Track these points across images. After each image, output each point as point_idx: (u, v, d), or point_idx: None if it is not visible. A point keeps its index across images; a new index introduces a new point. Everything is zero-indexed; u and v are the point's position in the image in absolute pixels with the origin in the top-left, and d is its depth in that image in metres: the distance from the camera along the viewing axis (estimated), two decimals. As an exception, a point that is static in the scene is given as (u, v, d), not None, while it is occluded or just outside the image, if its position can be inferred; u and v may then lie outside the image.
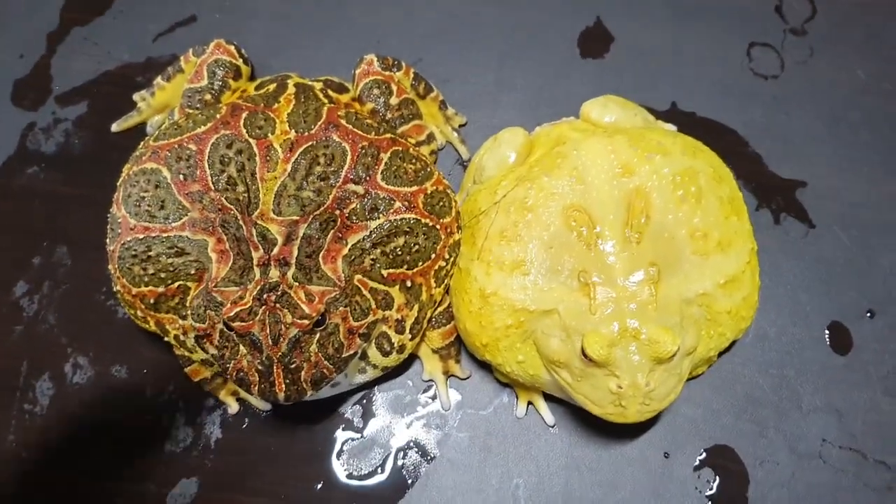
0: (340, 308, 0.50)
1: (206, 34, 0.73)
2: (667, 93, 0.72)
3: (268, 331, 0.48)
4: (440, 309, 0.59)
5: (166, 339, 0.56)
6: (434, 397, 0.61)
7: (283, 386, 0.48)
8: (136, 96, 0.70)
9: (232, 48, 0.65)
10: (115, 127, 0.69)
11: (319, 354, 0.49)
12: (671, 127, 0.67)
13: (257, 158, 0.55)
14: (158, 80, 0.68)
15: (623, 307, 0.51)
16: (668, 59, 0.74)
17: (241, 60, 0.65)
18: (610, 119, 0.63)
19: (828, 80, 0.73)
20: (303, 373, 0.48)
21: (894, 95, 0.72)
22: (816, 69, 0.73)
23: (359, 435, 0.60)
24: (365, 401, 0.61)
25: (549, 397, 0.60)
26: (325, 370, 0.49)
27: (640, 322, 0.50)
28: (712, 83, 0.73)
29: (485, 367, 0.61)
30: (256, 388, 0.48)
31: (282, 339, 0.48)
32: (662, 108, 0.71)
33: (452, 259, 0.57)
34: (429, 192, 0.56)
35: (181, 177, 0.54)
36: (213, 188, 0.53)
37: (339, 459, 0.59)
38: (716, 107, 0.71)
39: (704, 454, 0.59)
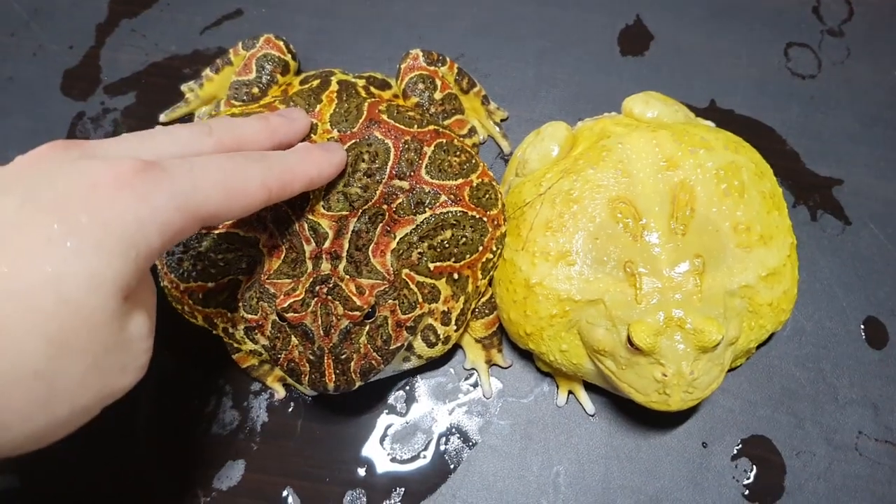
0: (389, 301, 0.51)
1: (251, 28, 0.74)
2: (705, 90, 0.73)
3: (319, 322, 0.48)
4: (483, 299, 0.60)
5: (215, 332, 0.57)
6: (476, 385, 0.62)
7: (333, 376, 0.49)
8: (184, 87, 0.71)
9: (281, 44, 0.66)
10: (163, 117, 0.70)
11: (368, 346, 0.50)
12: (710, 124, 0.68)
13: None
14: (207, 71, 0.69)
15: (668, 297, 0.52)
16: (707, 58, 0.75)
17: (289, 56, 0.66)
18: (652, 114, 0.64)
19: (864, 80, 0.74)
20: (352, 364, 0.49)
21: (930, 98, 0.73)
22: (853, 70, 0.74)
23: (402, 420, 0.61)
24: (408, 387, 0.62)
25: (588, 387, 0.61)
26: (373, 361, 0.50)
27: (685, 312, 0.51)
28: (750, 82, 0.73)
29: (525, 356, 0.62)
30: (307, 378, 0.49)
31: (333, 331, 0.48)
32: (701, 106, 0.72)
33: (499, 251, 0.58)
34: (475, 184, 0.57)
35: None
36: None
37: (382, 444, 0.60)
38: (754, 105, 0.72)
39: (742, 444, 0.60)
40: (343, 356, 0.49)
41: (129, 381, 0.37)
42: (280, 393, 0.61)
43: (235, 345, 0.58)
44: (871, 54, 0.75)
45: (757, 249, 0.55)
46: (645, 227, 0.54)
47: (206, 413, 0.61)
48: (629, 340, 0.50)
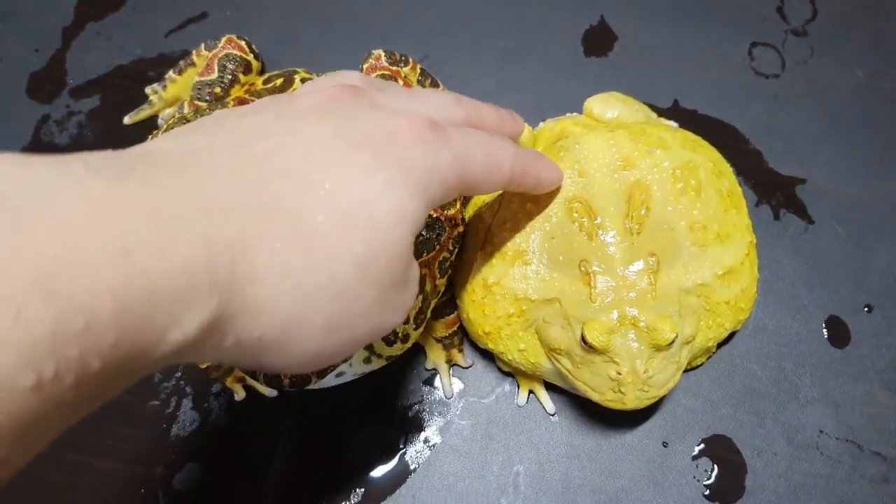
0: None
1: (216, 31, 0.74)
2: (669, 91, 0.73)
3: None
4: (443, 299, 0.60)
5: None
6: (437, 386, 0.62)
7: (288, 373, 0.49)
8: (148, 89, 0.71)
9: (243, 43, 0.66)
10: (127, 119, 0.71)
11: None
12: (673, 124, 0.68)
13: None
14: (170, 73, 0.70)
15: (622, 296, 0.52)
16: (671, 58, 0.75)
17: (251, 55, 0.67)
18: (612, 115, 0.64)
19: (828, 79, 0.74)
20: None
21: (892, 96, 0.73)
22: (817, 69, 0.74)
23: (363, 422, 0.61)
24: (369, 389, 0.61)
25: (550, 386, 0.61)
26: None
27: (639, 310, 0.51)
28: (714, 81, 0.74)
29: (487, 356, 0.62)
30: (262, 375, 0.49)
31: None
32: (665, 106, 0.72)
33: (456, 250, 0.58)
34: None
35: None
36: None
37: (343, 446, 0.60)
38: (717, 105, 0.72)
39: (703, 444, 0.59)
40: None
41: (396, 320, 0.38)
42: (240, 394, 0.61)
43: None
44: (835, 54, 0.75)
45: (713, 248, 0.55)
46: (600, 226, 0.54)
47: (167, 414, 0.61)
48: (583, 339, 0.50)
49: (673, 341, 0.50)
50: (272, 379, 0.49)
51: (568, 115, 0.66)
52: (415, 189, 0.36)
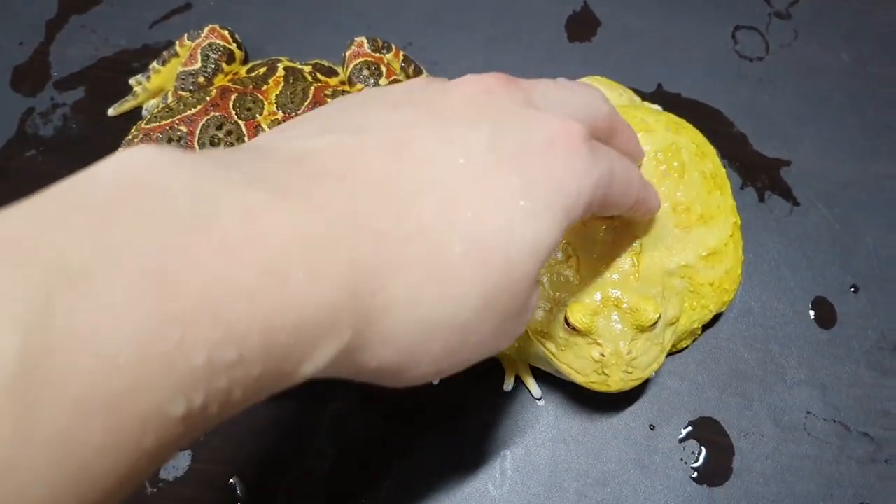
0: None
1: (201, 21, 0.74)
2: (653, 75, 0.73)
3: None
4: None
5: None
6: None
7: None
8: (132, 80, 0.71)
9: (226, 33, 0.66)
10: (111, 111, 0.70)
11: None
12: (657, 107, 0.68)
13: (246, 139, 0.56)
14: (154, 64, 0.69)
15: (606, 278, 0.52)
16: (655, 42, 0.75)
17: (234, 45, 0.67)
18: None
19: (812, 62, 0.74)
20: None
21: (879, 78, 0.73)
22: (801, 52, 0.75)
23: (346, 409, 0.60)
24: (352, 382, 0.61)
25: (536, 371, 0.61)
26: None
27: (622, 292, 0.51)
28: (698, 65, 0.74)
29: (474, 343, 0.62)
30: None
31: None
32: (649, 90, 0.72)
33: None
34: None
35: None
36: None
37: (327, 432, 0.60)
38: (701, 88, 0.72)
39: (690, 427, 0.59)
40: None
41: (505, 345, 0.37)
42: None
43: None
44: (819, 36, 0.75)
45: (697, 229, 0.55)
46: (584, 209, 0.54)
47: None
48: (566, 321, 0.50)
49: (656, 322, 0.50)
50: None
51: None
52: (558, 213, 0.34)
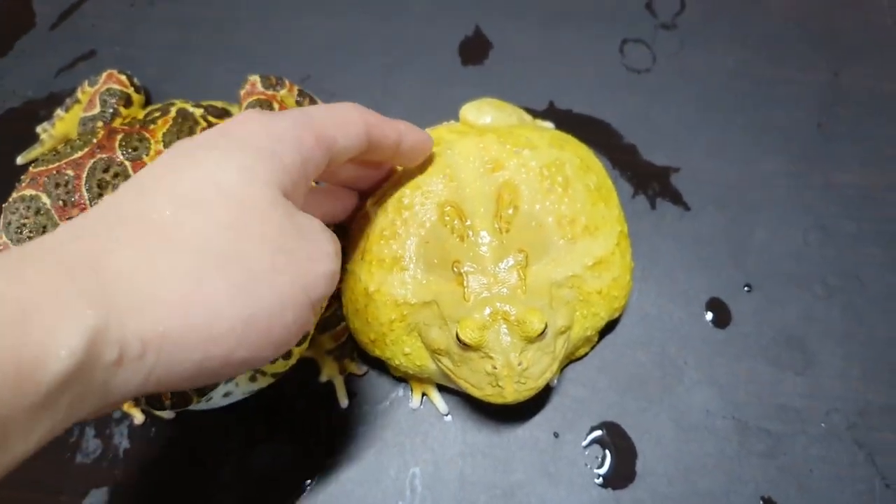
0: None
1: (105, 67, 0.74)
2: (544, 93, 0.75)
3: None
4: (328, 312, 0.61)
5: None
6: (333, 397, 0.62)
7: (169, 394, 0.49)
8: (38, 128, 0.72)
9: (123, 77, 0.67)
10: (20, 159, 0.71)
11: None
12: (549, 124, 0.70)
13: None
14: (58, 111, 0.71)
15: (494, 292, 0.53)
16: (545, 61, 0.77)
17: (132, 88, 0.68)
18: (486, 120, 0.65)
19: (698, 70, 0.76)
20: None
21: (762, 81, 0.76)
22: (687, 61, 0.77)
23: (259, 438, 0.61)
24: (265, 404, 0.62)
25: (443, 388, 0.62)
26: None
27: (509, 305, 0.52)
28: (587, 81, 0.76)
29: (381, 364, 0.63)
30: (144, 398, 0.49)
31: None
32: (541, 108, 0.74)
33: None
34: None
35: (60, 202, 0.55)
36: None
37: (240, 463, 0.60)
38: (591, 103, 0.74)
39: (593, 432, 0.61)
40: None
41: (322, 267, 0.40)
42: (138, 418, 0.61)
43: None
44: (705, 44, 0.77)
45: (582, 240, 0.56)
46: (471, 227, 0.55)
47: (70, 443, 0.61)
48: (458, 337, 0.51)
49: (543, 332, 0.51)
50: (153, 400, 0.49)
51: (445, 123, 0.67)
52: (256, 153, 0.39)
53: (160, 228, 0.34)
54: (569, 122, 0.72)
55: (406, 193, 0.58)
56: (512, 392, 0.53)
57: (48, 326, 0.28)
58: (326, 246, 0.41)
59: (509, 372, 0.52)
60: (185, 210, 0.35)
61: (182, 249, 0.34)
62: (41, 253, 0.32)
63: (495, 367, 0.52)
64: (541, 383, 0.54)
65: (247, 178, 0.38)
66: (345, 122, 0.46)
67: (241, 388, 0.56)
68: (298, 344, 0.57)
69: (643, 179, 0.70)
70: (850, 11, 0.80)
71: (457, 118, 0.68)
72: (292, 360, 0.58)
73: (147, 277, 0.33)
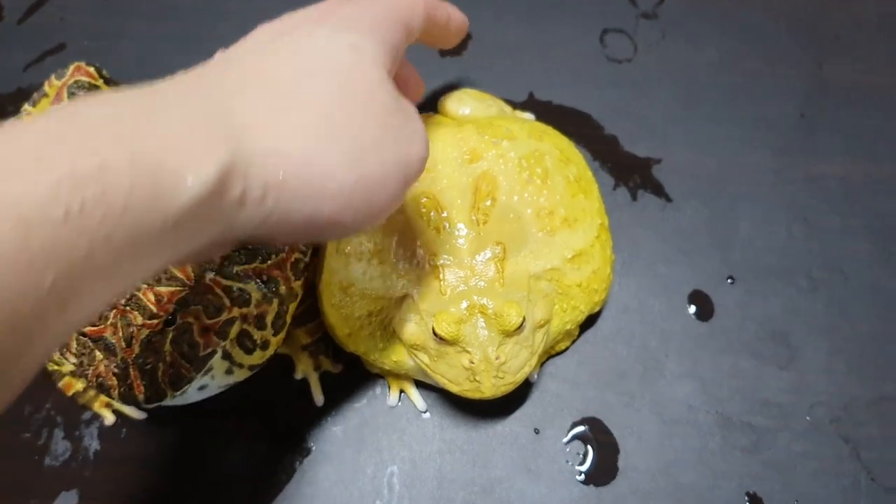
0: (192, 307, 0.50)
1: (75, 60, 0.73)
2: (524, 84, 0.74)
3: (120, 334, 0.48)
4: (304, 307, 0.60)
5: None
6: (309, 394, 0.61)
7: (142, 388, 0.48)
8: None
9: (91, 69, 0.66)
10: (-12, 154, 0.70)
11: (175, 353, 0.49)
12: (529, 116, 0.69)
13: None
14: (26, 106, 0.69)
15: (471, 285, 0.52)
16: (525, 52, 0.76)
17: (100, 81, 0.66)
18: (465, 111, 0.65)
19: (680, 60, 0.75)
20: (159, 373, 0.48)
21: (748, 72, 0.75)
22: (669, 51, 0.76)
23: (235, 435, 0.60)
24: (239, 402, 0.61)
25: (420, 384, 0.61)
26: (182, 370, 0.49)
27: (487, 298, 0.51)
28: (567, 72, 0.74)
29: (357, 360, 0.61)
30: (116, 392, 0.48)
31: (134, 341, 0.48)
32: (520, 99, 0.73)
33: (309, 251, 0.58)
34: None
35: None
36: None
37: (215, 461, 0.59)
38: (571, 94, 0.73)
39: (574, 428, 0.60)
40: (147, 366, 0.48)
41: (418, 149, 0.42)
42: (109, 419, 0.60)
43: (56, 367, 0.58)
44: (686, 34, 0.77)
45: (561, 233, 0.56)
46: (447, 219, 0.55)
47: (39, 446, 0.60)
48: (434, 331, 0.51)
49: (521, 325, 0.50)
50: (127, 396, 0.48)
51: (424, 114, 0.66)
52: (363, 33, 0.42)
53: (283, 89, 0.38)
54: (549, 113, 0.71)
55: (382, 185, 0.56)
56: (490, 387, 0.52)
57: (185, 158, 0.30)
58: (421, 129, 0.44)
59: (487, 366, 0.51)
60: (304, 76, 0.39)
61: (303, 110, 0.37)
62: (179, 97, 0.34)
63: (472, 362, 0.51)
64: (519, 378, 0.53)
65: (356, 56, 0.41)
66: (413, 4, 0.49)
67: (216, 382, 0.55)
68: (276, 334, 0.56)
69: (624, 171, 0.69)
70: (835, 2, 0.79)
71: (436, 110, 0.67)
72: (269, 352, 0.57)
73: (272, 131, 0.36)
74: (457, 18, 0.56)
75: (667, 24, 0.77)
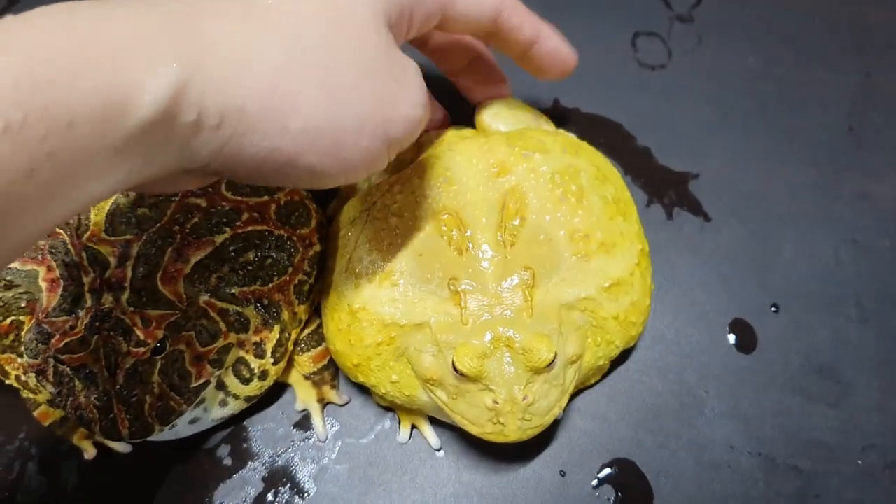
0: (183, 333, 0.46)
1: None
2: (549, 89, 0.70)
3: (103, 362, 0.44)
4: (308, 331, 0.56)
5: (8, 382, 0.52)
6: (310, 428, 0.57)
7: (127, 422, 0.44)
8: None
9: None
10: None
11: (164, 385, 0.45)
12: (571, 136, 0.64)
13: None
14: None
15: (496, 315, 0.47)
16: (550, 54, 0.71)
17: None
18: (500, 127, 0.60)
19: (717, 67, 0.72)
20: (146, 406, 0.45)
21: (787, 81, 0.71)
22: (705, 57, 0.72)
23: (228, 473, 0.56)
24: (233, 436, 0.57)
25: (434, 420, 0.57)
26: (172, 403, 0.46)
27: (514, 330, 0.46)
28: (596, 77, 0.71)
29: (365, 391, 0.58)
30: (98, 426, 0.44)
31: (118, 371, 0.44)
32: (545, 106, 0.69)
33: (314, 272, 0.55)
34: (282, 202, 0.54)
35: None
36: None
37: (206, 502, 0.55)
38: (600, 101, 0.69)
39: (603, 470, 0.56)
40: (133, 399, 0.44)
41: (406, 109, 0.40)
42: (89, 452, 0.56)
43: (31, 395, 0.54)
44: (724, 40, 0.73)
45: (597, 258, 0.51)
46: (471, 238, 0.50)
47: (10, 481, 0.55)
48: (454, 366, 0.46)
49: (552, 362, 0.46)
50: (110, 430, 0.44)
51: (454, 127, 0.62)
52: None
53: (261, 12, 0.36)
54: (575, 121, 0.68)
55: (398, 199, 0.53)
56: (515, 430, 0.47)
57: (136, 74, 0.30)
58: (416, 89, 0.41)
59: (512, 407, 0.46)
60: (288, 4, 0.37)
61: (277, 39, 0.35)
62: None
63: (496, 402, 0.46)
64: (548, 420, 0.48)
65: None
66: None
67: (209, 415, 0.52)
68: (276, 363, 0.53)
69: (658, 186, 0.65)
70: (884, 5, 0.75)
71: (464, 116, 0.63)
72: (268, 382, 0.53)
73: (238, 54, 0.34)
74: (550, 46, 0.55)
75: (703, 27, 0.74)
